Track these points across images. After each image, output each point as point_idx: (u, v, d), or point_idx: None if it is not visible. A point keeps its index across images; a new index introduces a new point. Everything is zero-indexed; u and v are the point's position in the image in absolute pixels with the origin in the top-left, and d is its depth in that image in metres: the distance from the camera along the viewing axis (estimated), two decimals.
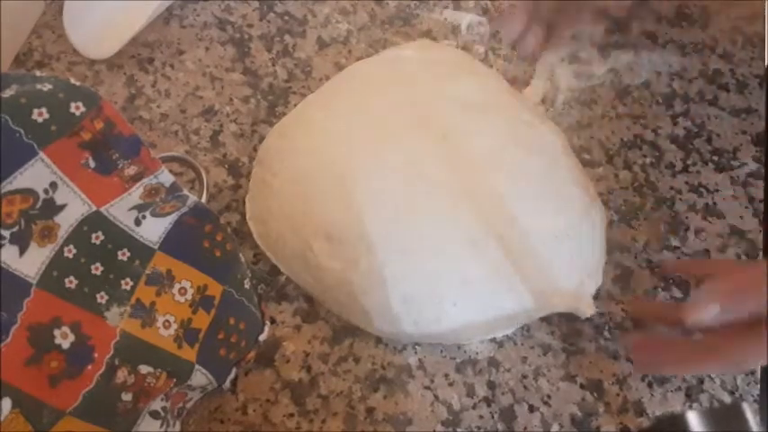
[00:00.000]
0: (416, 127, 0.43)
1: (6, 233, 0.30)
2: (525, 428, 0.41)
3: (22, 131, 0.30)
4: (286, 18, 0.58)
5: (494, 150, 0.43)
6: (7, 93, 0.30)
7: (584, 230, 0.43)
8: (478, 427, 0.41)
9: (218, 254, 0.38)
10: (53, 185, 0.31)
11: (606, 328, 0.44)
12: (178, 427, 0.38)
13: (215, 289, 0.38)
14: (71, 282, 0.32)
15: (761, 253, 0.47)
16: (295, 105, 0.51)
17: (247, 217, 0.46)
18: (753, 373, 0.43)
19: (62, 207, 0.32)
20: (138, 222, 0.36)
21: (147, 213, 0.36)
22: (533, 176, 0.43)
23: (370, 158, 0.43)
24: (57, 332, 0.31)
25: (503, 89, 0.48)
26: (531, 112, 0.47)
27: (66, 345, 0.32)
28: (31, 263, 0.31)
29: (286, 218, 0.44)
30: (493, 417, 0.41)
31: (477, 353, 0.43)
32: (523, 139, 0.44)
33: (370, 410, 0.41)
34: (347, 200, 0.41)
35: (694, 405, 0.42)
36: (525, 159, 0.43)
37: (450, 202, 0.41)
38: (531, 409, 0.42)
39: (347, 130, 0.44)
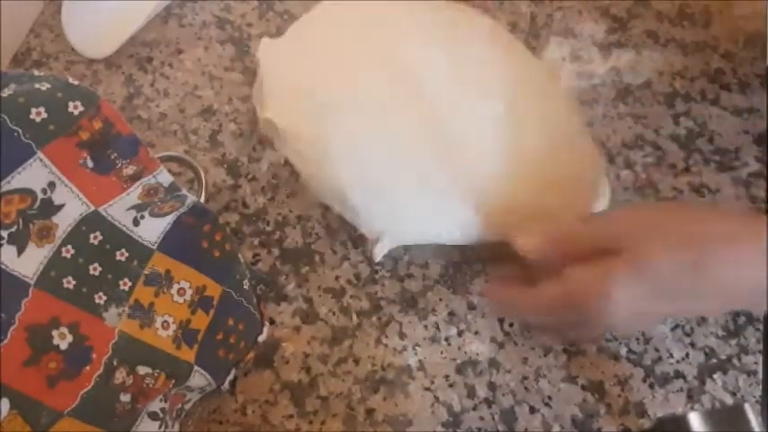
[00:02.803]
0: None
1: (4, 233, 0.30)
2: (526, 430, 0.41)
3: (21, 131, 0.29)
4: (285, 17, 0.58)
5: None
6: (5, 92, 0.30)
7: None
8: (479, 429, 0.41)
9: (216, 254, 0.38)
10: (51, 185, 0.31)
11: None
12: (177, 428, 0.38)
13: (214, 289, 0.38)
14: (69, 282, 0.32)
15: None
16: None
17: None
18: (754, 374, 0.43)
19: (60, 207, 0.32)
20: (136, 222, 0.36)
21: (146, 213, 0.36)
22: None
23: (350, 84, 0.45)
24: (55, 333, 0.31)
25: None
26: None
27: (64, 345, 0.31)
28: (29, 263, 0.31)
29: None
30: (494, 418, 0.41)
31: (477, 354, 0.43)
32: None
33: (369, 412, 0.41)
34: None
35: (696, 406, 0.42)
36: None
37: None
38: (532, 410, 0.41)
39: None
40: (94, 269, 0.34)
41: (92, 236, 0.34)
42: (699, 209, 0.43)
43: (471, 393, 0.42)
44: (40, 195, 0.31)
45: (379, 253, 0.44)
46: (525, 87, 0.47)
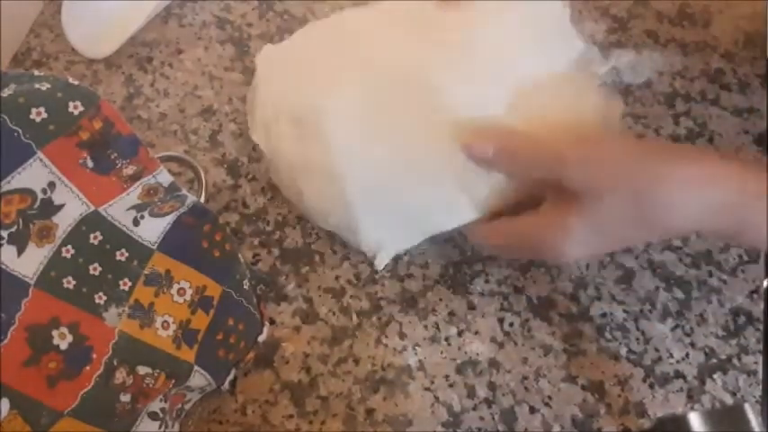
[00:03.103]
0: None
1: (4, 233, 0.30)
2: (526, 430, 0.41)
3: (21, 131, 0.29)
4: (285, 17, 0.58)
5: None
6: (5, 92, 0.30)
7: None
8: (479, 429, 0.41)
9: (216, 254, 0.38)
10: (51, 185, 0.31)
11: (607, 328, 0.44)
12: (177, 428, 0.38)
13: (214, 289, 0.38)
14: (69, 282, 0.32)
15: (762, 253, 0.47)
16: None
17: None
18: (754, 374, 0.43)
19: (60, 207, 0.32)
20: (136, 222, 0.35)
21: (146, 213, 0.36)
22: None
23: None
24: (55, 333, 0.31)
25: None
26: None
27: (64, 345, 0.31)
28: (29, 263, 0.31)
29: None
30: (494, 418, 0.41)
31: (477, 354, 0.43)
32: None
33: (369, 412, 0.41)
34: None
35: (696, 406, 0.42)
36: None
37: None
38: (532, 410, 0.41)
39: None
40: (94, 269, 0.34)
41: (92, 236, 0.34)
42: (650, 146, 0.46)
43: (471, 393, 0.42)
44: (40, 195, 0.31)
45: (381, 263, 0.45)
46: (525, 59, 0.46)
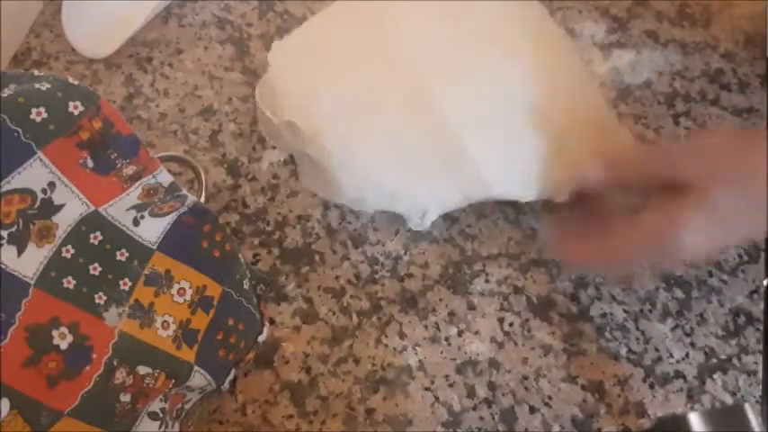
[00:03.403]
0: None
1: (4, 233, 0.30)
2: (526, 430, 0.41)
3: (21, 131, 0.29)
4: (285, 17, 0.58)
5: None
6: (5, 92, 0.30)
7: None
8: (479, 429, 0.41)
9: (217, 254, 0.38)
10: (51, 185, 0.31)
11: (607, 329, 0.44)
12: (177, 428, 0.38)
13: (214, 289, 0.38)
14: (69, 282, 0.32)
15: (761, 253, 0.47)
16: None
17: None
18: (754, 374, 0.43)
19: (60, 207, 0.32)
20: (136, 222, 0.35)
21: (146, 213, 0.36)
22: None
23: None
24: (55, 333, 0.31)
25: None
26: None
27: (64, 345, 0.31)
28: (29, 263, 0.31)
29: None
30: (493, 418, 0.41)
31: (477, 354, 0.43)
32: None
33: (369, 411, 0.41)
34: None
35: (696, 406, 0.42)
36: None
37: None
38: (532, 410, 0.41)
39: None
40: (94, 269, 0.34)
41: (92, 236, 0.34)
42: (746, 131, 0.47)
43: (471, 393, 0.42)
44: (40, 195, 0.31)
45: (426, 222, 0.46)
46: (530, 45, 0.48)
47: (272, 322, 0.44)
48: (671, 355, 0.43)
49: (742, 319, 0.44)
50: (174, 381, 0.35)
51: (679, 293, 0.45)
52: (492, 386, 0.42)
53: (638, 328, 0.44)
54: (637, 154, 0.41)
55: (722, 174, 0.37)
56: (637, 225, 0.39)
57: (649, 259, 0.43)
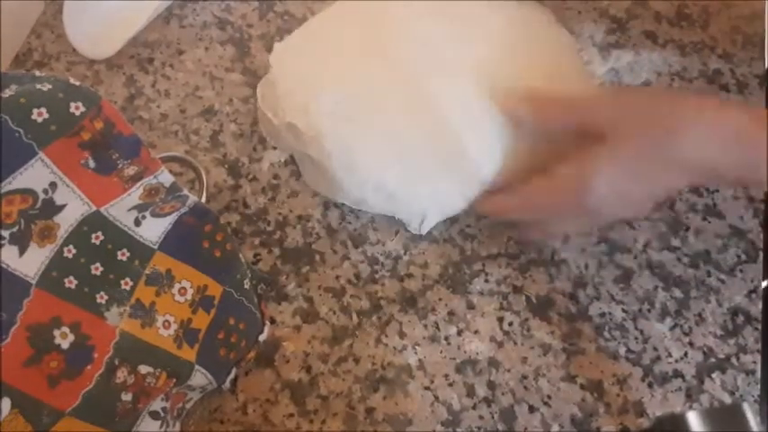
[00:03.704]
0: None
1: (6, 233, 0.30)
2: (525, 429, 0.41)
3: (22, 131, 0.29)
4: (286, 18, 0.58)
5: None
6: (7, 93, 0.30)
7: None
8: (478, 428, 0.41)
9: (217, 254, 0.38)
10: (53, 185, 0.31)
11: (606, 328, 0.44)
12: (178, 427, 0.38)
13: (215, 289, 0.38)
14: (71, 282, 0.32)
15: (761, 253, 0.47)
16: None
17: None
18: (753, 373, 0.43)
19: (62, 207, 0.32)
20: (137, 222, 0.36)
21: (147, 213, 0.36)
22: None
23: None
24: (56, 332, 0.31)
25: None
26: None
27: (65, 345, 0.31)
28: (30, 263, 0.31)
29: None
30: (493, 417, 0.41)
31: (477, 353, 0.43)
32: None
33: (369, 411, 0.41)
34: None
35: (694, 405, 0.42)
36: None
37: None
38: (531, 409, 0.42)
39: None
40: (96, 269, 0.34)
41: (93, 236, 0.34)
42: (675, 94, 0.48)
43: (471, 392, 0.42)
44: (42, 196, 0.31)
45: (425, 228, 0.46)
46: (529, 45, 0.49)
47: (272, 322, 0.44)
48: (669, 355, 0.43)
49: (740, 319, 0.45)
50: (175, 380, 0.36)
51: (677, 293, 0.46)
52: (491, 385, 0.42)
53: (636, 328, 0.44)
54: (565, 99, 0.42)
55: (639, 125, 0.38)
56: (552, 175, 0.40)
57: (567, 213, 0.43)
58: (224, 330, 0.38)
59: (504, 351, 0.43)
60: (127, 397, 0.33)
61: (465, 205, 0.46)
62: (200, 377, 0.37)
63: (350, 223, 0.48)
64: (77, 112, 0.31)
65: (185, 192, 0.37)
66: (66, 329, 0.32)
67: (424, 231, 0.46)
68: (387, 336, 0.44)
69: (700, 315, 0.45)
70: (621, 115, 0.39)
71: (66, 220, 0.32)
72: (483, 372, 0.43)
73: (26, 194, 0.30)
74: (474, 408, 0.42)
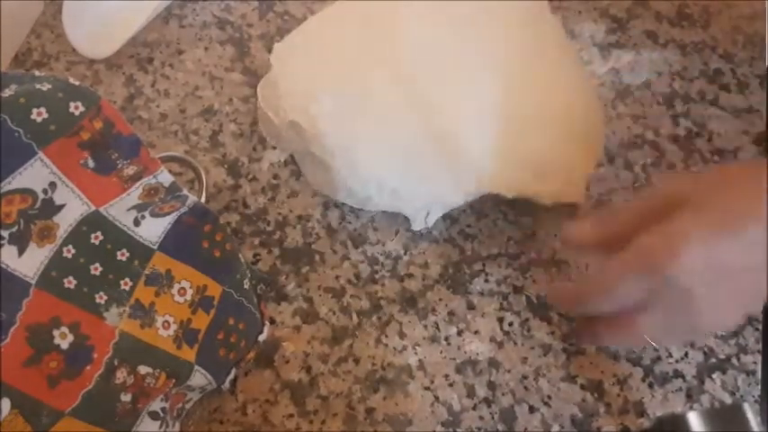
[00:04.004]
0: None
1: (5, 233, 0.30)
2: (526, 429, 0.41)
3: (21, 131, 0.29)
4: (286, 18, 0.58)
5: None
6: (6, 92, 0.30)
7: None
8: (479, 428, 0.41)
9: (217, 254, 0.38)
10: (52, 185, 0.31)
11: None
12: (177, 427, 0.38)
13: (214, 289, 0.38)
14: (70, 282, 0.32)
15: None
16: None
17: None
18: (753, 373, 0.43)
19: (61, 207, 0.32)
20: (137, 222, 0.36)
21: (147, 213, 0.36)
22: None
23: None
24: (56, 332, 0.31)
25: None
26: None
27: (65, 345, 0.31)
28: (29, 263, 0.31)
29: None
30: (493, 417, 0.41)
31: (477, 353, 0.43)
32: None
33: (369, 411, 0.41)
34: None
35: (695, 405, 0.42)
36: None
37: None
38: (532, 409, 0.41)
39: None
40: (95, 269, 0.34)
41: (93, 236, 0.34)
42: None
43: (471, 393, 0.42)
44: (41, 195, 0.31)
45: (430, 221, 0.46)
46: (530, 50, 0.49)
47: (272, 322, 0.44)
48: (670, 355, 0.43)
49: None
50: (174, 380, 0.36)
51: None
52: (491, 386, 0.42)
53: None
54: (628, 206, 0.37)
55: (716, 190, 0.33)
56: (630, 250, 0.33)
57: (646, 297, 0.34)
58: (223, 330, 0.38)
59: (504, 351, 0.43)
60: (126, 397, 0.33)
61: (466, 201, 0.46)
62: (199, 377, 0.37)
63: (350, 223, 0.48)
64: (77, 112, 0.31)
65: (185, 192, 0.37)
66: (65, 330, 0.32)
67: (430, 224, 0.46)
68: (387, 336, 0.44)
69: None
70: (702, 185, 0.33)
71: (66, 220, 0.32)
72: (483, 372, 0.43)
73: (25, 194, 0.30)
74: (474, 408, 0.41)
